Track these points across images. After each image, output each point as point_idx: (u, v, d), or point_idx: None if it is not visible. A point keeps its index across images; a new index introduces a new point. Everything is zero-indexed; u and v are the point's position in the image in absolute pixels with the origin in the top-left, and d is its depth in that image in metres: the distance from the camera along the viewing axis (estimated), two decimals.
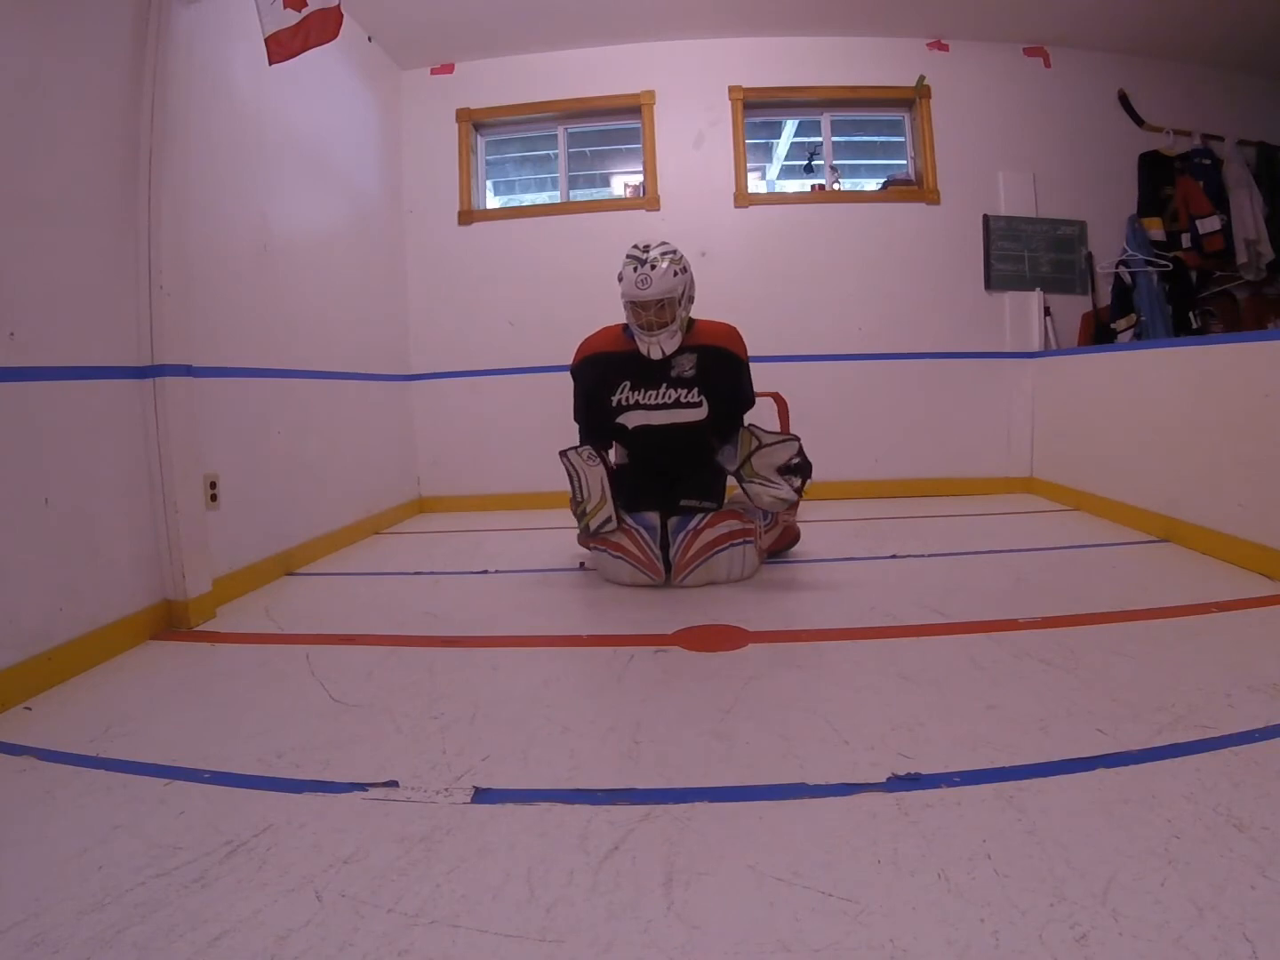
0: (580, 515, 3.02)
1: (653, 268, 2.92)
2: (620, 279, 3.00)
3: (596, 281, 4.57)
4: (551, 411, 4.54)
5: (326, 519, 3.84)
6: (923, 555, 3.35)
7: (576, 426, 3.27)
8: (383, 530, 4.44)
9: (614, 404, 3.06)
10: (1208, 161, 4.94)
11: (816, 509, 4.39)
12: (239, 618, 2.80)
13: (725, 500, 3.10)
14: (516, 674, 2.21)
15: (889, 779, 1.49)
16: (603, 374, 3.10)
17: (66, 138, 2.34)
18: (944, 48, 4.94)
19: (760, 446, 2.95)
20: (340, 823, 1.42)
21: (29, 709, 1.99)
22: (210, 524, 2.85)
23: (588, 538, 3.08)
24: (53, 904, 1.19)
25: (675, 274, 2.95)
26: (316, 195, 4.01)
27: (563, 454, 3.00)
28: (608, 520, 2.94)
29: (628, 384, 3.04)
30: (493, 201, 5.48)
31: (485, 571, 3.36)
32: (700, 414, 3.02)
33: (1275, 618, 2.41)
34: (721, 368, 3.05)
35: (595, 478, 2.94)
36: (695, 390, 3.01)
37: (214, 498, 2.91)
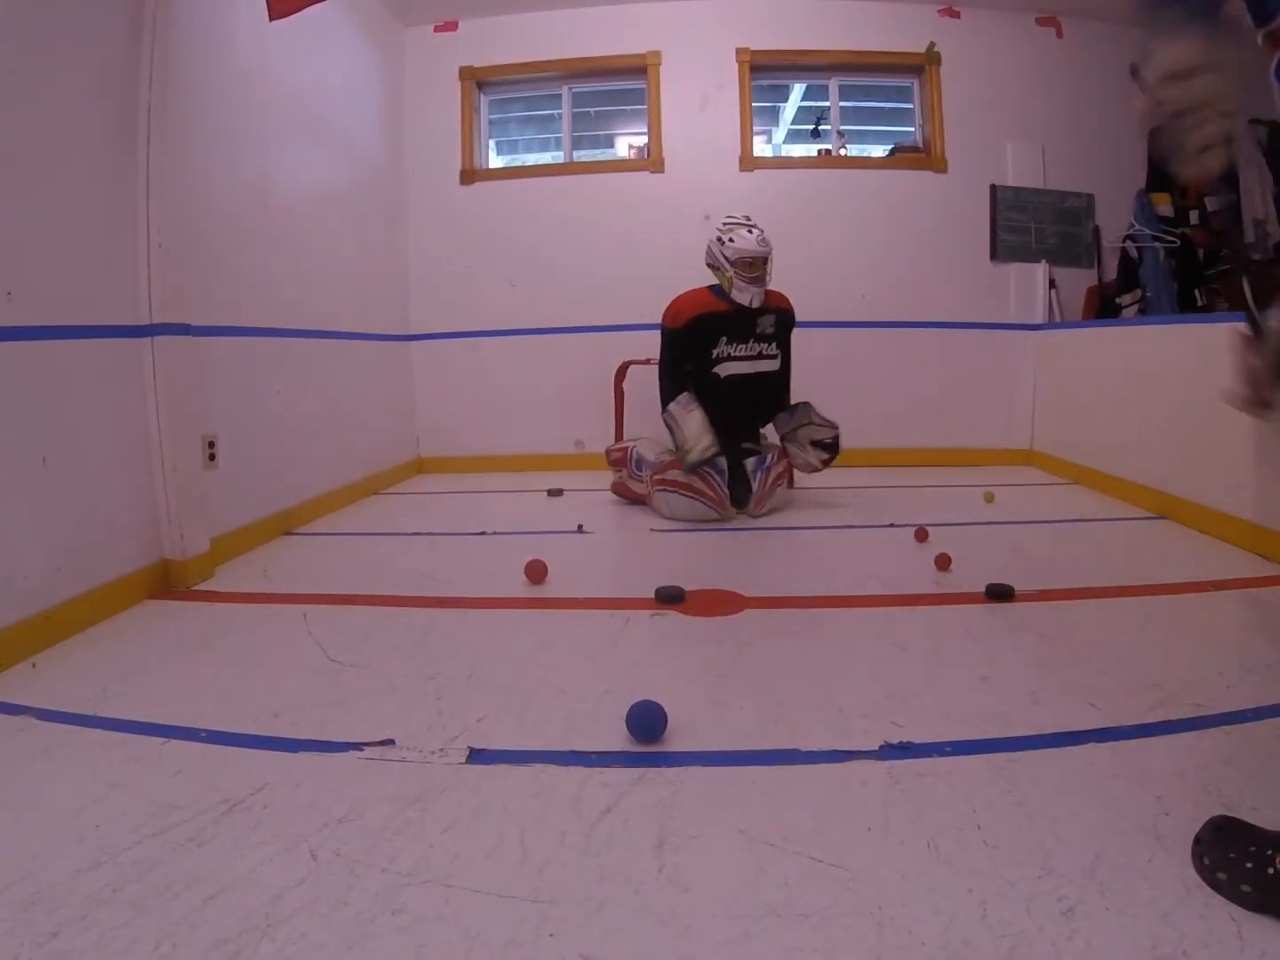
0: (684, 455, 3.45)
1: (761, 231, 3.53)
2: (725, 241, 3.54)
3: (599, 242, 4.55)
4: (553, 371, 4.55)
5: (325, 479, 3.83)
6: (921, 525, 3.34)
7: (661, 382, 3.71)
8: (381, 490, 4.44)
9: (714, 356, 3.59)
10: None
11: (815, 476, 4.38)
12: (237, 577, 2.80)
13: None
14: (513, 636, 2.22)
15: (881, 747, 1.50)
16: (707, 330, 3.58)
17: (64, 94, 2.29)
18: (955, 15, 4.84)
19: (810, 423, 3.69)
20: (335, 782, 1.43)
21: (34, 665, 2.00)
22: (208, 483, 2.84)
23: (690, 471, 3.47)
24: (50, 863, 1.20)
25: None
26: (318, 153, 3.94)
27: (665, 413, 3.54)
28: (709, 447, 3.40)
29: (724, 338, 3.59)
30: (495, 161, 5.39)
31: (483, 533, 3.36)
32: (776, 364, 3.71)
33: (1270, 597, 2.41)
34: (789, 327, 3.75)
35: (694, 421, 3.45)
36: (773, 344, 3.67)
37: (212, 457, 2.90)
